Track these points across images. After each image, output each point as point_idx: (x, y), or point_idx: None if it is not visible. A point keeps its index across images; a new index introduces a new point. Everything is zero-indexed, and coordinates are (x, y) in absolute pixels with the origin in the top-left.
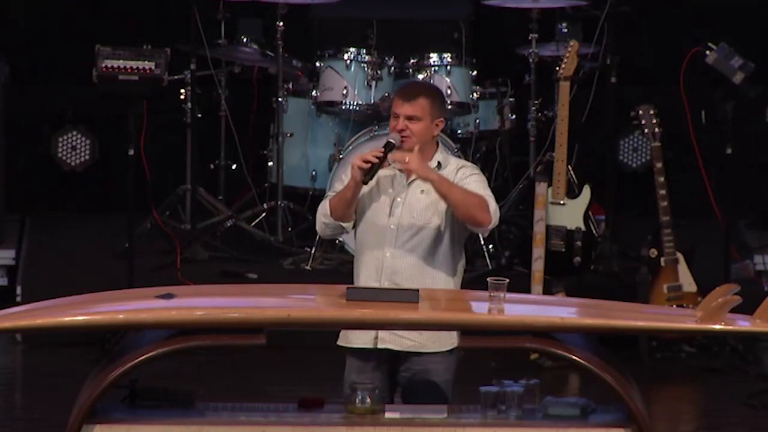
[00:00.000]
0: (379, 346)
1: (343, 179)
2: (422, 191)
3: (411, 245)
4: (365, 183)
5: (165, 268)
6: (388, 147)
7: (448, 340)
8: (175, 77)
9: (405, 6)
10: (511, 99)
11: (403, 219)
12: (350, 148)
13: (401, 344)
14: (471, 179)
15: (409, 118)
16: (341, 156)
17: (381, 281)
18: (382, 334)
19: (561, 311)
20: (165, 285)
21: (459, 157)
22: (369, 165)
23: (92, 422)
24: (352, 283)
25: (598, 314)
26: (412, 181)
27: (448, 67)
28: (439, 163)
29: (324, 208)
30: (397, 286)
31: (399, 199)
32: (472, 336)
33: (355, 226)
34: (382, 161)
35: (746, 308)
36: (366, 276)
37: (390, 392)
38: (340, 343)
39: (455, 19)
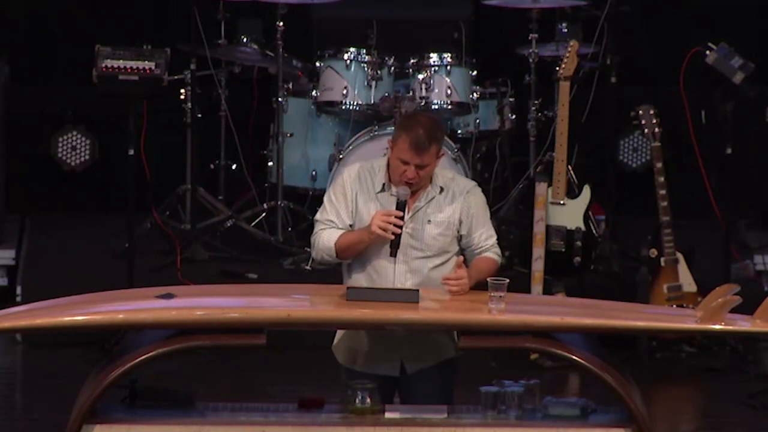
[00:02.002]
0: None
1: (339, 211)
2: (429, 221)
3: (423, 273)
4: (393, 256)
5: (165, 268)
6: (403, 206)
7: (445, 351)
8: (175, 77)
9: (405, 6)
10: (511, 99)
11: (411, 249)
12: (350, 148)
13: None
14: (481, 217)
15: (421, 166)
16: (341, 156)
17: None
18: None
19: (561, 311)
20: (165, 285)
21: (458, 161)
22: (393, 236)
23: (92, 422)
24: None
25: (598, 314)
26: (416, 211)
27: (448, 67)
28: (441, 188)
29: (329, 249)
30: None
31: (406, 231)
32: (472, 336)
33: None
34: (402, 227)
35: (746, 308)
36: None
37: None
38: (359, 369)
39: (455, 19)
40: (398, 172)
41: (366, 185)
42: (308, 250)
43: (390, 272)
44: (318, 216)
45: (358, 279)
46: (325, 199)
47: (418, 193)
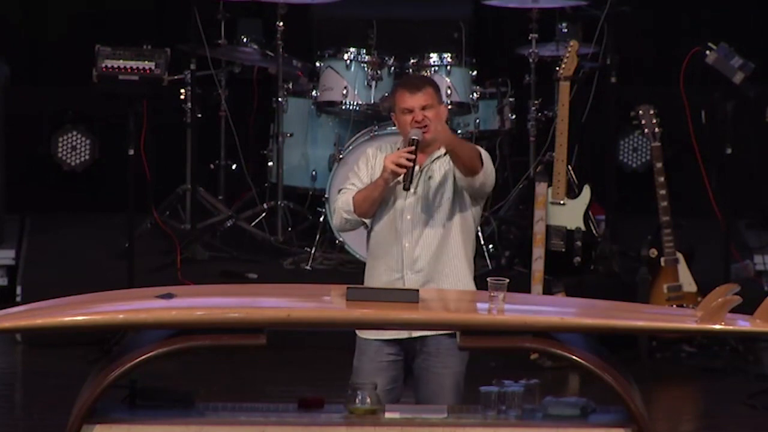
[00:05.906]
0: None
1: (360, 176)
2: (430, 177)
3: (427, 232)
4: (407, 189)
5: (165, 268)
6: (415, 144)
7: None
8: (175, 77)
9: (405, 6)
10: (511, 99)
11: (417, 208)
12: (350, 148)
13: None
14: None
15: (424, 107)
16: (341, 156)
17: (403, 272)
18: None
19: (561, 311)
20: (165, 285)
21: None
22: (405, 170)
23: (92, 422)
24: (360, 283)
25: (598, 314)
26: (423, 168)
27: (448, 67)
28: (445, 152)
29: (347, 204)
30: (419, 274)
31: (411, 190)
32: (472, 336)
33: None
34: (415, 161)
35: (746, 308)
36: (387, 269)
37: (403, 380)
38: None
39: (455, 19)
40: (406, 124)
41: (386, 153)
42: (308, 249)
43: (401, 226)
44: (345, 187)
45: (378, 252)
46: (349, 173)
47: (427, 151)
